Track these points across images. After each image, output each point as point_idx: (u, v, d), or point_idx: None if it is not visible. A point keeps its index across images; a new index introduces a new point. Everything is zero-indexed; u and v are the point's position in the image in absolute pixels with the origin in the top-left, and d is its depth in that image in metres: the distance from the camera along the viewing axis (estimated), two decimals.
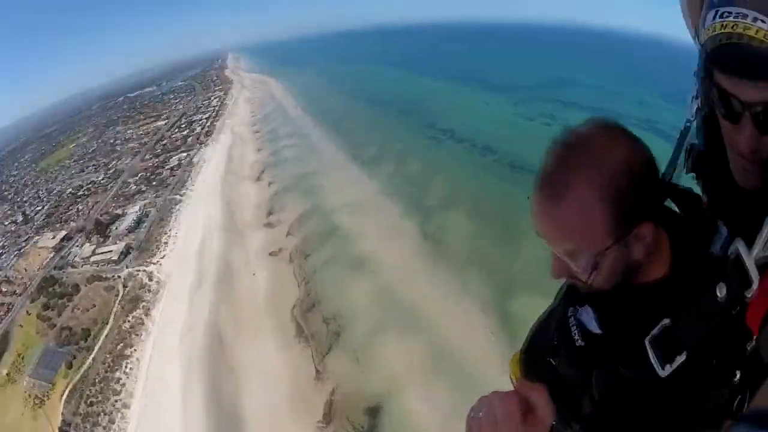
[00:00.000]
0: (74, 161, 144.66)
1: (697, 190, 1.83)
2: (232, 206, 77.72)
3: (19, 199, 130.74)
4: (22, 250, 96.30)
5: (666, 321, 1.41)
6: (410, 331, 43.60)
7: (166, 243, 74.92)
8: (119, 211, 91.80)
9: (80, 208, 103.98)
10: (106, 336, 59.33)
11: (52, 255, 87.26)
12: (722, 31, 1.31)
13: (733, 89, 1.35)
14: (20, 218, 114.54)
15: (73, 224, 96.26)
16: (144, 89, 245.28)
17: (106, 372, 53.82)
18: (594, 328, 1.68)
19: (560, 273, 1.61)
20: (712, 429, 1.41)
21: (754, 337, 1.40)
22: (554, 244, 1.51)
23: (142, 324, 58.74)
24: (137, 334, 57.41)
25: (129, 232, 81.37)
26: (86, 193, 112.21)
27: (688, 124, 1.84)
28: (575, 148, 1.39)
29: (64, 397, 53.36)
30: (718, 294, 1.35)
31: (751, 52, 1.25)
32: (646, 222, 1.43)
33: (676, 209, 1.67)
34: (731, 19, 1.28)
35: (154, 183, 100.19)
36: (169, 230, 78.42)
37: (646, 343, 1.42)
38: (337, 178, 75.31)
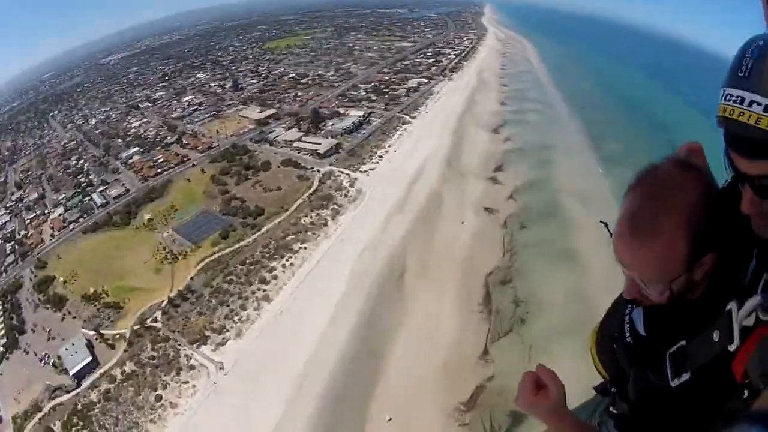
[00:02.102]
0: (305, 51, 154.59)
1: None
2: (462, 146, 77.65)
3: (234, 68, 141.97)
4: (220, 113, 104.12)
5: (682, 342, 2.01)
6: None
7: (381, 156, 74.92)
8: (340, 110, 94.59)
9: (299, 95, 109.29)
10: (280, 222, 59.49)
11: (252, 127, 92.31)
12: (722, 114, 1.67)
13: (735, 160, 1.73)
14: (230, 84, 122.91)
15: (285, 107, 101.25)
16: (394, 9, 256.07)
17: (263, 257, 53.64)
18: (641, 329, 2.30)
19: (633, 294, 2.13)
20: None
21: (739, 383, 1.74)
22: (636, 273, 2.00)
23: (325, 225, 57.96)
24: (314, 233, 56.59)
25: (345, 132, 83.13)
26: (310, 83, 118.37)
27: None
28: (661, 190, 1.85)
29: (203, 264, 54.16)
30: (714, 337, 1.85)
31: (743, 135, 1.61)
32: (713, 253, 1.90)
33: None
34: (730, 103, 1.64)
35: (386, 96, 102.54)
36: (388, 146, 78.46)
37: (667, 356, 2.06)
38: (573, 161, 73.70)
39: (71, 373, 41.76)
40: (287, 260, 52.47)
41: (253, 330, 44.07)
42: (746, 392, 1.69)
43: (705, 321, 1.90)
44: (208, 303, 47.96)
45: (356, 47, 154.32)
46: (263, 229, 58.30)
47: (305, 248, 54.09)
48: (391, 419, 34.91)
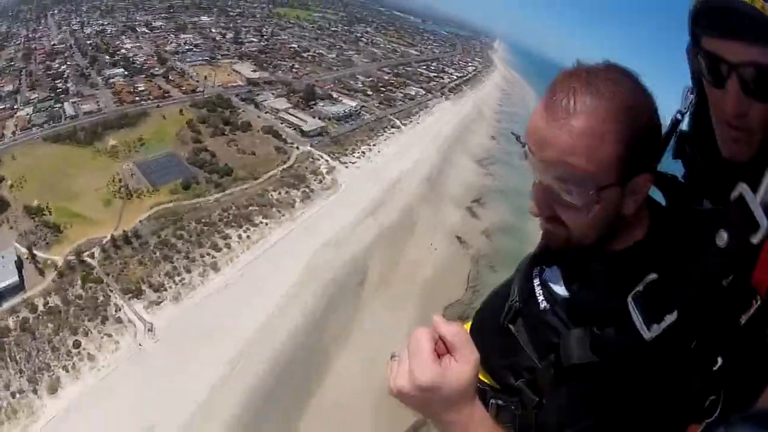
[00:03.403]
0: (313, 27, 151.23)
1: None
2: (445, 168, 75.64)
3: (239, 22, 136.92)
4: (214, 61, 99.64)
5: (652, 276, 1.40)
6: None
7: (363, 153, 72.29)
8: (334, 94, 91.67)
9: (296, 66, 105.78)
10: (246, 189, 56.14)
11: (242, 84, 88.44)
12: None
13: (718, 50, 1.42)
14: (231, 35, 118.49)
15: (280, 74, 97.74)
16: (408, 15, 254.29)
17: (220, 221, 50.22)
18: (561, 290, 1.70)
19: (543, 207, 1.58)
20: (676, 427, 1.46)
21: (760, 300, 1.34)
22: (555, 163, 1.44)
23: (292, 206, 54.94)
24: (279, 211, 53.60)
25: (334, 118, 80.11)
26: (309, 59, 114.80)
27: (679, 115, 1.83)
28: (597, 74, 1.43)
29: (156, 209, 50.62)
30: (718, 242, 1.25)
31: (737, 10, 1.30)
32: (647, 174, 1.48)
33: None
34: None
35: (381, 95, 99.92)
36: (373, 144, 75.88)
37: (630, 300, 1.41)
38: None
39: None
40: (245, 231, 49.43)
41: (193, 297, 40.94)
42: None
43: (670, 252, 1.36)
44: (152, 254, 44.44)
45: (363, 38, 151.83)
46: (227, 191, 54.98)
47: (266, 224, 51.17)
48: None
